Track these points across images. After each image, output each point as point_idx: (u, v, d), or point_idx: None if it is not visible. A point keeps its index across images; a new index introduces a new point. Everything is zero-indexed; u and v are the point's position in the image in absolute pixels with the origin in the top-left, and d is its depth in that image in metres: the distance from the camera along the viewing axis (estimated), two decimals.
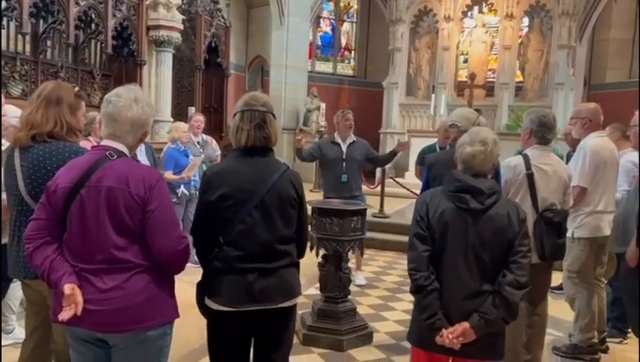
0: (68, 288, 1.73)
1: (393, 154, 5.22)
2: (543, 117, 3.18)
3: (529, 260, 2.13)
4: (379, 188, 8.03)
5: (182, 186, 5.47)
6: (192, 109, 8.68)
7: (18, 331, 3.42)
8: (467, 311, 2.07)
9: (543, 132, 3.18)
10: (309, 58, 15.35)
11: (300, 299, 2.27)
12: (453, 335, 2.04)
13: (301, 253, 2.28)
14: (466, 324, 2.05)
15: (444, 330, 2.06)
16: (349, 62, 17.83)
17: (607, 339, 3.86)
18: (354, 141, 5.09)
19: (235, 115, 2.20)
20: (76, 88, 2.43)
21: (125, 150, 1.92)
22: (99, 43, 7.76)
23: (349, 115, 5.10)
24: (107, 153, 1.87)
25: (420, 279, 2.11)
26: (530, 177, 3.10)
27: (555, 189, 3.14)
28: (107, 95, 1.96)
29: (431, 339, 2.09)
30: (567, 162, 3.99)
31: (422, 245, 2.14)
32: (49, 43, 7.23)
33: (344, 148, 5.02)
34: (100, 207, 1.80)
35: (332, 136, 5.32)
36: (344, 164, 4.98)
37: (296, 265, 2.23)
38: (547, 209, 3.09)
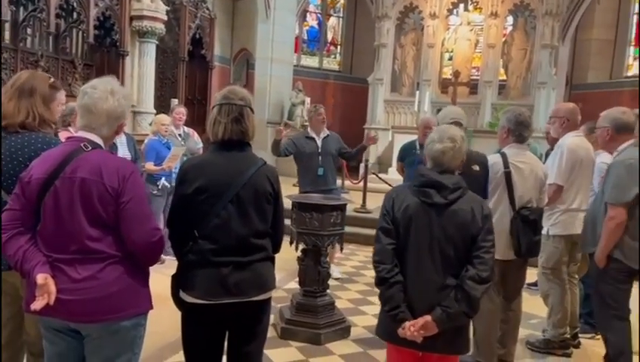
0: (41, 278, 1.73)
1: (363, 148, 5.37)
2: (519, 115, 3.24)
3: (492, 256, 2.15)
4: (361, 184, 8.05)
5: (163, 178, 5.44)
6: (174, 101, 8.61)
7: None
8: (431, 304, 2.10)
9: (520, 130, 3.23)
10: (295, 52, 15.31)
11: (279, 293, 2.28)
12: (414, 327, 2.06)
13: (276, 248, 2.29)
14: (427, 317, 2.07)
15: (406, 323, 2.08)
16: (335, 57, 17.84)
17: (579, 335, 3.95)
18: (328, 135, 5.13)
19: (213, 108, 2.20)
20: (52, 79, 2.39)
21: (100, 142, 1.92)
22: (80, 32, 7.65)
23: (321, 109, 5.15)
24: (82, 144, 1.86)
25: (382, 271, 2.14)
26: (507, 175, 3.15)
27: (531, 187, 3.21)
28: (83, 86, 1.95)
29: (396, 333, 2.12)
30: (545, 160, 4.05)
31: (386, 238, 2.17)
32: (29, 31, 7.10)
33: (319, 142, 5.05)
34: (74, 198, 1.80)
35: (305, 131, 5.36)
36: (320, 157, 5.01)
37: (271, 259, 2.24)
38: (524, 206, 3.16)
